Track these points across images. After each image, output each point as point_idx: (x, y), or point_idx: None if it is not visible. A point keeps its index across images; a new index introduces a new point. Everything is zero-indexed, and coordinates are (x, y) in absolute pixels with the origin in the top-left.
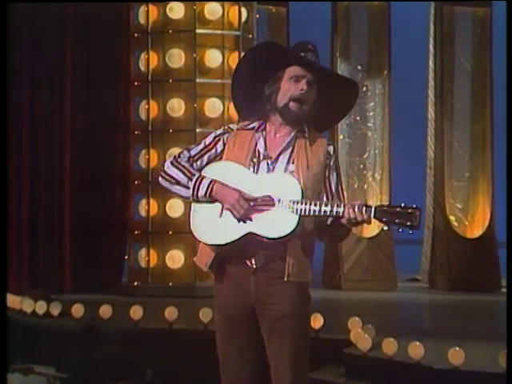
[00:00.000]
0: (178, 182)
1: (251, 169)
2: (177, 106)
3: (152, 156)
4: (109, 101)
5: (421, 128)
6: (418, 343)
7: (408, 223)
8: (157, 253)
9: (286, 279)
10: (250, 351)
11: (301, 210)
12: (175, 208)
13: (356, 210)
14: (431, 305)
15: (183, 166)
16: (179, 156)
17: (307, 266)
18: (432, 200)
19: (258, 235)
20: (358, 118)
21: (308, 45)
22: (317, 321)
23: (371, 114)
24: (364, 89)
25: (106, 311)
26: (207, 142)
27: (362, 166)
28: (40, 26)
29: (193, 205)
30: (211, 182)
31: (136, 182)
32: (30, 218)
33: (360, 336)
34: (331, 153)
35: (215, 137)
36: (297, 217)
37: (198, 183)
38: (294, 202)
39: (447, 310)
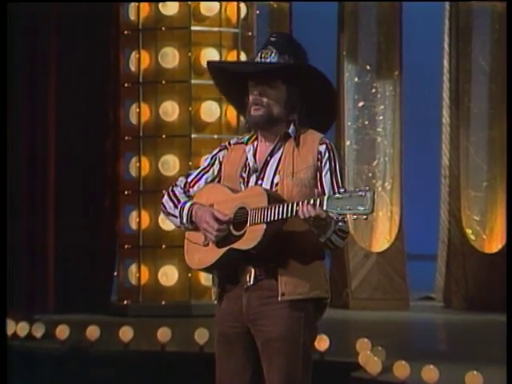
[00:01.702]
0: (169, 213)
1: (241, 186)
2: (170, 110)
3: (143, 164)
4: (96, 104)
5: (435, 133)
6: (432, 367)
7: (359, 207)
8: (148, 269)
9: (279, 299)
10: (246, 373)
11: (266, 216)
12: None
13: (306, 204)
14: (446, 325)
15: (174, 195)
16: (175, 184)
17: (310, 281)
18: (447, 212)
19: (239, 250)
20: (367, 123)
21: (271, 37)
22: (322, 342)
23: (381, 117)
24: (373, 91)
25: (93, 332)
26: (205, 165)
27: (370, 174)
28: (21, 23)
29: (186, 233)
30: (191, 206)
31: (126, 192)
32: (10, 230)
33: (369, 359)
34: (323, 152)
35: (212, 157)
36: (263, 225)
37: (181, 210)
38: (259, 210)
39: (464, 331)
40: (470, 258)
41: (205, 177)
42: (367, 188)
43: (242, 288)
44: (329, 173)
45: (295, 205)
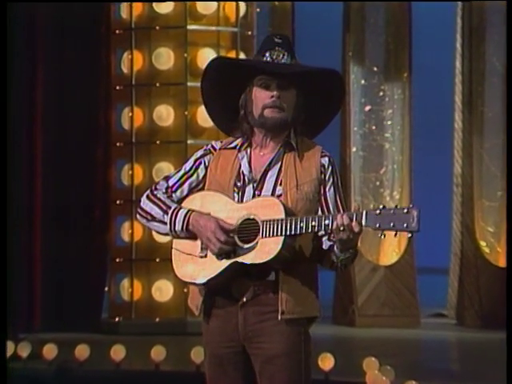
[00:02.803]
0: (154, 218)
1: (236, 195)
2: (165, 114)
3: (136, 172)
4: (86, 108)
5: (446, 139)
6: None
7: (405, 225)
8: (142, 283)
9: (279, 318)
10: None
11: (285, 229)
12: None
13: (344, 216)
14: (459, 344)
15: (159, 199)
16: (155, 188)
17: (307, 299)
18: (459, 223)
19: (243, 263)
20: (374, 128)
21: (275, 38)
22: (327, 361)
23: (389, 122)
24: (381, 94)
25: (82, 352)
26: (187, 168)
27: (378, 183)
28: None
29: (173, 241)
30: (187, 212)
31: (118, 202)
32: None
33: (377, 379)
34: (326, 165)
35: (196, 160)
36: (281, 238)
37: (173, 216)
38: (276, 222)
39: (478, 350)
40: (484, 271)
41: (189, 181)
42: (411, 205)
43: (235, 304)
44: (332, 187)
45: (324, 218)
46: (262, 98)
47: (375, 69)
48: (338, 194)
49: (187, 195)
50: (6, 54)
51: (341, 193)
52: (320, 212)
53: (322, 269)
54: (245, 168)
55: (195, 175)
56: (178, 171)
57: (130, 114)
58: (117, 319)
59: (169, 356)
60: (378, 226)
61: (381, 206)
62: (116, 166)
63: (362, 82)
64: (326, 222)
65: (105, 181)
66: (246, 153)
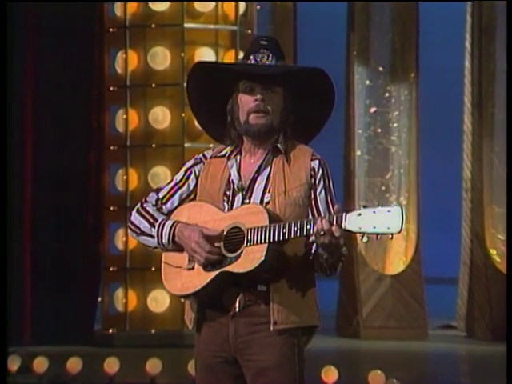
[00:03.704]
0: (142, 232)
1: (225, 205)
2: (161, 116)
3: (131, 177)
4: (78, 110)
5: (455, 142)
6: None
7: (387, 227)
8: (136, 294)
9: (271, 328)
10: None
11: (268, 236)
12: None
13: (323, 220)
14: (469, 357)
15: (147, 212)
16: (145, 200)
17: (303, 308)
18: (469, 230)
19: (230, 273)
20: (379, 131)
21: (260, 40)
22: (330, 374)
23: (395, 125)
24: (386, 95)
25: (74, 365)
26: (178, 179)
27: (383, 188)
28: None
29: (163, 255)
30: (173, 224)
31: (112, 209)
32: None
33: None
34: (316, 168)
35: (186, 170)
36: (265, 246)
37: (160, 229)
38: (260, 229)
39: (488, 364)
40: (494, 281)
41: (179, 192)
42: (394, 203)
43: (226, 315)
44: (323, 191)
45: (306, 223)
46: (246, 103)
47: (381, 69)
48: (329, 198)
49: (178, 206)
50: (6, 54)
51: (333, 196)
52: (311, 217)
53: (324, 277)
54: (234, 176)
55: (186, 186)
56: (168, 183)
57: (125, 116)
58: (110, 331)
59: (165, 369)
60: (359, 228)
61: (362, 206)
62: (110, 171)
63: (367, 82)
64: (308, 226)
65: (98, 186)
66: (236, 161)
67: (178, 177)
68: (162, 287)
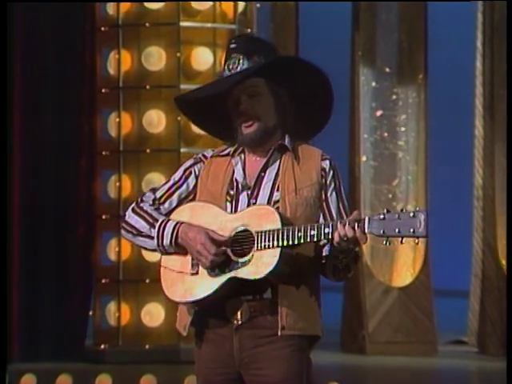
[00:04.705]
0: (139, 233)
1: (228, 205)
2: (156, 120)
3: (124, 183)
4: (69, 113)
5: (466, 148)
6: None
7: (411, 230)
8: (130, 307)
9: (279, 333)
10: None
11: (282, 239)
12: None
13: (346, 226)
14: (481, 374)
15: (145, 212)
16: (142, 199)
17: (309, 315)
18: (480, 240)
19: (238, 279)
20: (386, 135)
21: (230, 44)
22: None
23: (402, 129)
24: (393, 97)
25: (64, 382)
26: (176, 178)
27: (390, 195)
28: None
29: (162, 258)
30: (176, 225)
31: (104, 217)
32: None
33: None
34: (327, 169)
35: (185, 170)
36: (278, 250)
37: (161, 230)
38: (272, 232)
39: (501, 382)
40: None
41: (178, 192)
42: (418, 208)
43: (229, 327)
44: (334, 192)
45: (324, 226)
46: (236, 116)
47: (387, 70)
48: (340, 200)
49: (176, 207)
50: (6, 55)
51: (344, 199)
52: (322, 219)
53: (333, 283)
54: (238, 174)
55: (185, 185)
56: (166, 182)
57: (117, 120)
58: (102, 346)
59: None
60: (382, 232)
61: (385, 211)
62: (101, 178)
63: (373, 84)
64: (326, 230)
65: (89, 194)
66: (241, 158)
67: (177, 176)
68: (157, 300)
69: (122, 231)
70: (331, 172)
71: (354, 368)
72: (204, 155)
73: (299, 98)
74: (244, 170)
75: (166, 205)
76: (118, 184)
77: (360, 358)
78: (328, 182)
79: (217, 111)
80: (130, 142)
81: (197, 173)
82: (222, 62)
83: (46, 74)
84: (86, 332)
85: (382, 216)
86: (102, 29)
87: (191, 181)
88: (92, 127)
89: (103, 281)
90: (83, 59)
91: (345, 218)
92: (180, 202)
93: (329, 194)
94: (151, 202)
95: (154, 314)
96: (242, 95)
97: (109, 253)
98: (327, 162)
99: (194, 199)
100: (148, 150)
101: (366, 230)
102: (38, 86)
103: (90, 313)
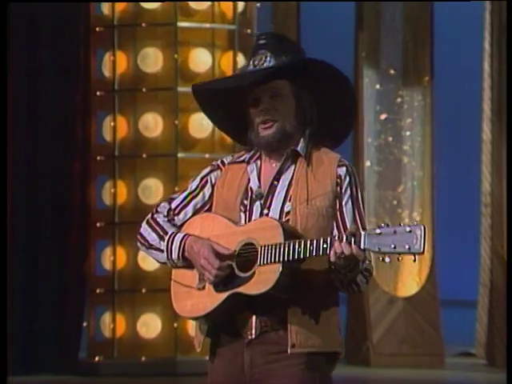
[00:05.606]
0: (151, 246)
1: (242, 215)
2: (152, 124)
3: (119, 189)
4: (62, 117)
5: (473, 153)
6: None
7: (407, 247)
8: (125, 318)
9: (289, 351)
10: None
11: (282, 254)
12: (150, 258)
13: (342, 242)
14: None
15: (157, 224)
16: (156, 211)
17: (324, 331)
18: (489, 249)
19: (243, 295)
20: (391, 139)
21: (258, 40)
22: None
23: (408, 133)
24: (398, 100)
25: None
26: (193, 187)
27: (395, 202)
28: None
29: (173, 272)
30: (183, 238)
31: (98, 225)
32: None
33: None
34: (343, 176)
35: (202, 178)
36: (279, 265)
37: (170, 243)
38: (274, 247)
39: None
40: None
41: (193, 202)
42: (415, 223)
43: (240, 341)
44: (350, 201)
45: (322, 242)
46: (254, 116)
47: (392, 72)
48: (356, 209)
49: (191, 217)
50: (6, 55)
51: (360, 208)
52: (336, 230)
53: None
54: (253, 182)
55: (201, 195)
56: (183, 191)
57: (113, 124)
58: (97, 359)
59: None
60: (377, 249)
61: (382, 224)
62: (96, 184)
63: (377, 86)
64: (324, 245)
65: (83, 200)
66: (256, 165)
67: (194, 185)
68: (154, 311)
69: (138, 243)
70: (347, 179)
71: (359, 381)
72: (222, 162)
73: (322, 103)
74: (259, 177)
75: (181, 215)
76: (113, 190)
77: (364, 370)
78: (343, 190)
79: (233, 107)
80: (125, 147)
81: (213, 181)
82: (249, 57)
83: (39, 77)
84: (79, 344)
85: (378, 231)
86: (97, 29)
87: (207, 190)
88: (86, 131)
89: (98, 291)
90: (77, 61)
91: (360, 228)
92: (195, 213)
93: (343, 203)
94: (165, 213)
95: (150, 325)
96: (264, 94)
97: (103, 262)
98: (344, 168)
99: (210, 209)
100: (144, 155)
101: (362, 246)
102: (31, 89)
103: (84, 324)
